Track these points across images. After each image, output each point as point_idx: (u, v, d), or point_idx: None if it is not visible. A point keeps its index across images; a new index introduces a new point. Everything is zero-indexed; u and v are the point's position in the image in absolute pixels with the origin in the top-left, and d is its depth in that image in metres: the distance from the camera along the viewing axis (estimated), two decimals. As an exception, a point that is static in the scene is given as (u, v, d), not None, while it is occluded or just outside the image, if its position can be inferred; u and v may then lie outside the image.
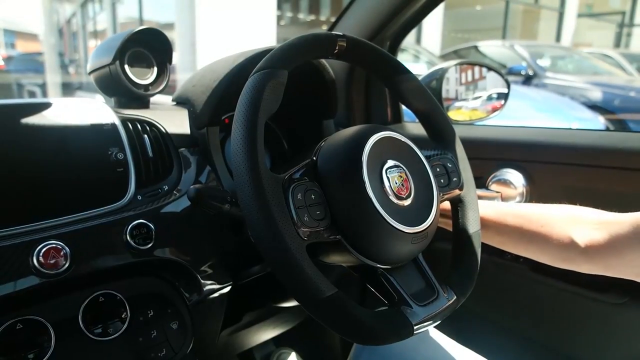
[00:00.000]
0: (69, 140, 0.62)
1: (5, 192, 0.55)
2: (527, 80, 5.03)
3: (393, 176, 0.54)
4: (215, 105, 0.72)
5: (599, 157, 0.83)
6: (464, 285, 0.60)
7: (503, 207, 0.70)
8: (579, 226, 0.60)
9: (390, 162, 0.55)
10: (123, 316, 0.59)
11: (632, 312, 0.82)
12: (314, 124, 0.88)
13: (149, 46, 0.82)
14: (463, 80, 1.04)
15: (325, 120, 0.87)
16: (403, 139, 0.59)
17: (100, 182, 0.61)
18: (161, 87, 0.84)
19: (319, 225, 0.50)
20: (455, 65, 1.03)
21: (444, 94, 1.01)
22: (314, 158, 0.55)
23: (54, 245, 0.54)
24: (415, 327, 0.52)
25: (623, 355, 0.88)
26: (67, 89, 10.31)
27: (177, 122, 0.74)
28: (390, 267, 0.55)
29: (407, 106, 0.67)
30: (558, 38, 11.29)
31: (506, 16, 10.91)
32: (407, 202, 0.54)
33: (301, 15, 10.19)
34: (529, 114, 3.61)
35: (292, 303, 0.92)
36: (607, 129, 3.68)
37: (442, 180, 0.63)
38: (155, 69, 0.84)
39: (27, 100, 0.66)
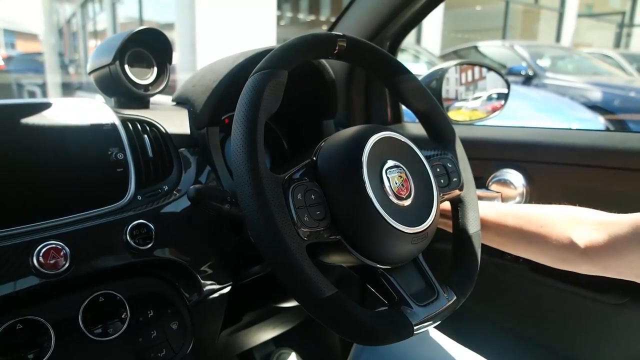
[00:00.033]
0: (69, 140, 0.62)
1: (5, 192, 0.55)
2: (527, 80, 5.03)
3: (393, 176, 0.54)
4: (215, 106, 0.72)
5: (599, 158, 0.83)
6: (464, 285, 0.60)
7: (502, 208, 0.70)
8: (578, 227, 0.60)
9: (390, 162, 0.55)
10: (123, 316, 0.59)
11: (632, 312, 0.82)
12: (314, 124, 0.88)
13: (149, 46, 0.82)
14: (463, 81, 1.04)
15: (325, 120, 0.87)
16: (403, 139, 0.59)
17: (100, 182, 0.61)
18: (161, 87, 0.84)
19: (318, 225, 0.50)
20: (455, 65, 1.03)
21: (444, 94, 1.01)
22: (314, 158, 0.55)
23: (54, 246, 0.54)
24: (415, 328, 0.52)
25: (623, 356, 0.88)
26: (67, 89, 10.31)
27: (177, 122, 0.74)
28: (390, 267, 0.55)
29: (407, 106, 0.67)
30: (558, 38, 11.29)
31: (506, 16, 10.91)
32: (407, 202, 0.54)
33: (301, 16, 10.19)
34: (529, 114, 3.61)
35: (292, 303, 0.92)
36: (607, 129, 3.68)
37: (442, 181, 0.63)
38: (155, 69, 0.84)
39: (27, 100, 0.66)
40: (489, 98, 1.05)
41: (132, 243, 0.60)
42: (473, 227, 0.64)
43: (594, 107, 4.11)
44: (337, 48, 0.58)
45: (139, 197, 0.63)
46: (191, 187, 0.55)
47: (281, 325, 1.14)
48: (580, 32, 12.38)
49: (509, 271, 0.96)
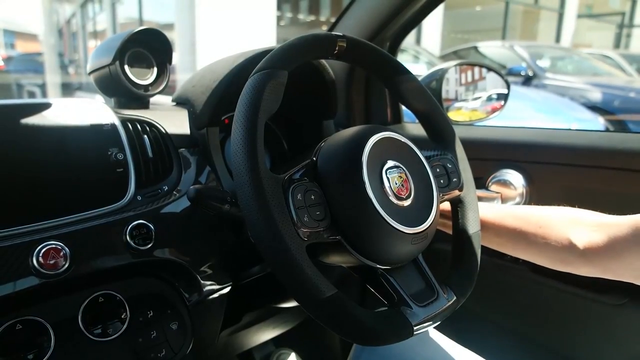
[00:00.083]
0: (69, 141, 0.62)
1: (5, 192, 0.55)
2: (527, 80, 5.03)
3: (393, 176, 0.54)
4: (215, 106, 0.72)
5: (599, 158, 0.83)
6: (463, 285, 0.60)
7: (502, 209, 0.70)
8: (577, 228, 0.60)
9: (390, 163, 0.55)
10: (123, 317, 0.59)
11: (632, 313, 0.82)
12: (314, 124, 0.88)
13: (149, 46, 0.82)
14: (463, 81, 1.04)
15: (325, 120, 0.87)
16: (403, 139, 0.59)
17: (100, 182, 0.61)
18: (161, 88, 0.84)
19: (318, 225, 0.50)
20: (455, 65, 1.03)
21: (443, 95, 1.01)
22: (314, 158, 0.55)
23: (53, 246, 0.54)
24: (415, 328, 0.52)
25: (622, 356, 0.88)
26: (67, 89, 10.32)
27: (177, 123, 0.74)
28: (390, 267, 0.55)
29: (407, 106, 0.67)
30: (558, 39, 11.30)
31: (506, 17, 10.91)
32: (407, 203, 0.54)
33: (301, 16, 10.19)
34: (529, 114, 3.61)
35: (292, 303, 0.92)
36: (607, 130, 3.69)
37: (442, 181, 0.63)
38: (155, 69, 0.84)
39: (26, 100, 0.66)
40: (489, 98, 1.05)
41: (132, 243, 0.60)
42: (473, 228, 0.64)
43: (593, 107, 4.11)
44: (337, 48, 0.58)
45: (139, 198, 0.63)
46: (191, 187, 0.55)
47: (281, 325, 1.13)
48: (580, 33, 12.39)
49: (508, 271, 0.96)
